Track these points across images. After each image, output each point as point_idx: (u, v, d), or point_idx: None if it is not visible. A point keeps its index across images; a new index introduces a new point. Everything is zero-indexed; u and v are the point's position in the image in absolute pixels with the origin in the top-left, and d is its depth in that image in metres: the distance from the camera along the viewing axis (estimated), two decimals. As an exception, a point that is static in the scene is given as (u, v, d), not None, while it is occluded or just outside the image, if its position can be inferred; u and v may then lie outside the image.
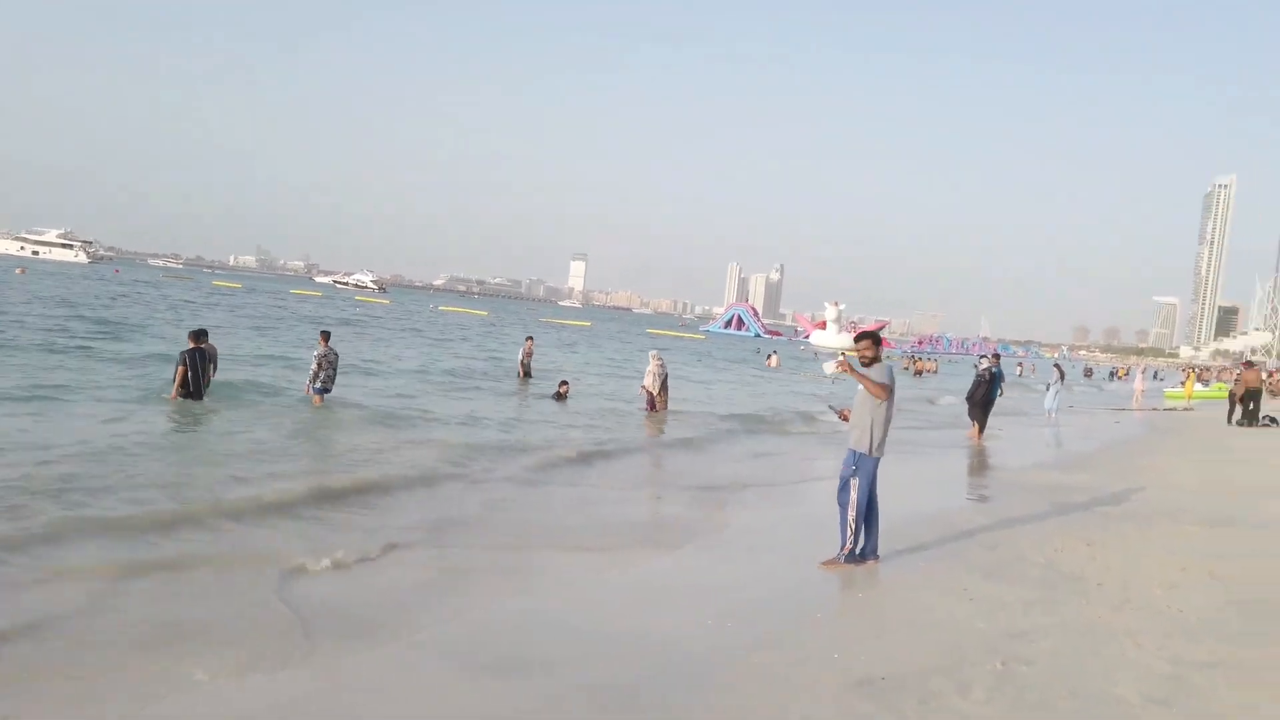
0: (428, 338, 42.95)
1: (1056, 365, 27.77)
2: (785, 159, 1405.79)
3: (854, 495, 6.72)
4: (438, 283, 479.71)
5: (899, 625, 5.35)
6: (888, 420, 6.68)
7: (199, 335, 13.19)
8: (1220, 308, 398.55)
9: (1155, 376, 51.38)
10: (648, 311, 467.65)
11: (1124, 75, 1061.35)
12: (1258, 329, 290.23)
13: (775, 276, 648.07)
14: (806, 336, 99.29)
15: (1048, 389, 27.46)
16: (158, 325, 31.34)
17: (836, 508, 6.87)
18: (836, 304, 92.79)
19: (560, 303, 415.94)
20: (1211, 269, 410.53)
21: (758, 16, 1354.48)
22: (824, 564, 6.87)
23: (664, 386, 17.73)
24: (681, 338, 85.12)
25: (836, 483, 6.86)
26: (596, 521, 8.58)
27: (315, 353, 14.75)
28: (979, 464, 14.93)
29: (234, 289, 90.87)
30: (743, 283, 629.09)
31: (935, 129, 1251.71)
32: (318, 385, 14.40)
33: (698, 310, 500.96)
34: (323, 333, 15.46)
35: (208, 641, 4.71)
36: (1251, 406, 21.51)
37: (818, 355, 59.51)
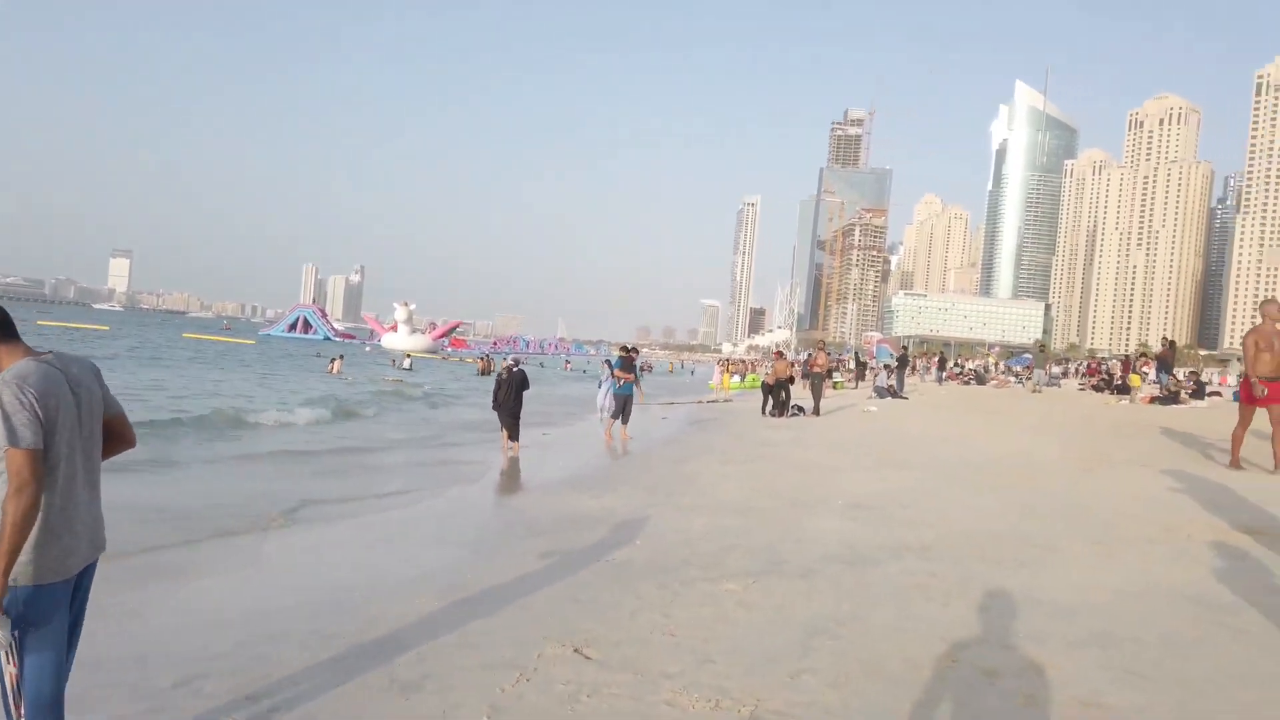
0: None
1: (607, 361, 26.52)
2: (367, 155, 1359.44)
3: (6, 671, 2.83)
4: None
5: None
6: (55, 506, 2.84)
7: None
8: (752, 309, 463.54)
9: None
10: (209, 315, 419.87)
11: (675, 107, 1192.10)
12: (780, 327, 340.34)
13: (356, 278, 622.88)
14: (378, 339, 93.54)
15: (599, 386, 26.21)
16: None
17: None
18: (406, 304, 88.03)
19: (96, 306, 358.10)
20: (744, 276, 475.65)
21: (335, 6, 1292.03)
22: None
23: None
24: (227, 343, 74.57)
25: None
26: None
27: None
28: (504, 485, 11.97)
29: None
30: (320, 284, 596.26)
31: (514, 136, 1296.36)
32: None
33: (269, 314, 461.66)
34: None
35: None
36: (783, 396, 21.64)
37: (395, 362, 55.07)
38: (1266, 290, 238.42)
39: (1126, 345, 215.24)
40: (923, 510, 8.33)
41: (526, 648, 4.62)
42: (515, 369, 15.01)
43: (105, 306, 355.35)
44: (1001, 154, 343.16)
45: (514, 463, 13.60)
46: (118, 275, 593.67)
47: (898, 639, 4.56)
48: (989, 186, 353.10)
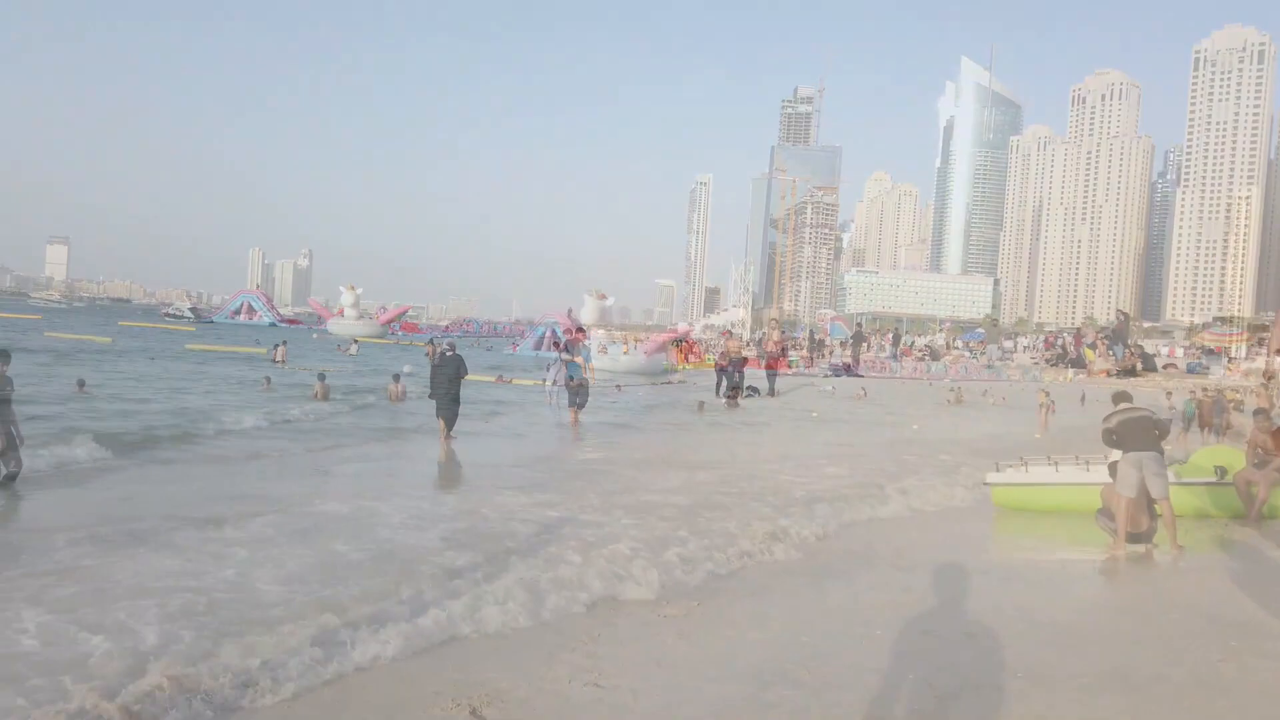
0: None
1: (556, 343, 25.60)
2: (314, 134, 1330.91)
3: None
4: None
5: None
6: None
7: None
8: (707, 288, 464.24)
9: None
10: (153, 303, 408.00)
11: (626, 85, 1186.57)
12: (735, 306, 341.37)
13: (304, 263, 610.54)
14: (324, 325, 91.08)
15: (548, 369, 25.40)
16: None
17: None
18: (353, 288, 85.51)
19: (34, 295, 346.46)
20: (698, 255, 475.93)
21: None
22: None
23: None
24: (170, 330, 71.71)
25: None
26: None
27: None
28: (429, 484, 10.95)
29: None
30: (267, 269, 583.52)
31: (467, 117, 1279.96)
32: None
33: (215, 300, 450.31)
34: None
35: None
36: (737, 377, 20.86)
37: (341, 347, 53.29)
38: (1206, 263, 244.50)
39: (1073, 318, 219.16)
40: (892, 504, 7.55)
41: (413, 709, 3.69)
42: (449, 353, 13.95)
43: (44, 296, 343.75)
44: (949, 131, 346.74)
45: (450, 456, 12.59)
46: (55, 263, 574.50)
47: (868, 685, 3.71)
48: (937, 163, 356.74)
